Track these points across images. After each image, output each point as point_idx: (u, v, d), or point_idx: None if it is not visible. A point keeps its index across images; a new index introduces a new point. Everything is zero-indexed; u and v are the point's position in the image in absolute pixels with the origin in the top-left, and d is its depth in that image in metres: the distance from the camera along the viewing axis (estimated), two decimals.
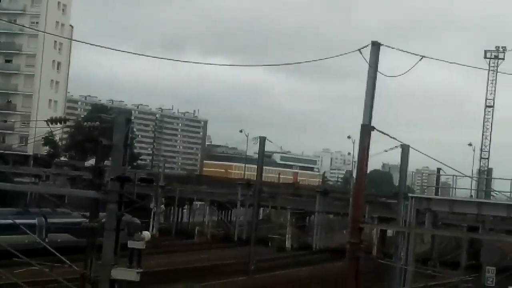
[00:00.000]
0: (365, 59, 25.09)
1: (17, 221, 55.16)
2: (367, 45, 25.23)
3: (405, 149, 35.56)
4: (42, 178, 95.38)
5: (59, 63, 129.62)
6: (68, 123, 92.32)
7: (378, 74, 25.50)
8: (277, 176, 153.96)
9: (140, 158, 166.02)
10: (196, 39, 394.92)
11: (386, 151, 32.75)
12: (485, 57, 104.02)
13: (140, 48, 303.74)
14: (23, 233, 48.63)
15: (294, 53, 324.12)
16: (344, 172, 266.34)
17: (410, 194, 36.32)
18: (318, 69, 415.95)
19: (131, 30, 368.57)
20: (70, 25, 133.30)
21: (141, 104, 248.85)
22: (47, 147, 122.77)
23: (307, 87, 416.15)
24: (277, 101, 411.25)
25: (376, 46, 25.31)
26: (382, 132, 25.73)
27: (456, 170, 39.40)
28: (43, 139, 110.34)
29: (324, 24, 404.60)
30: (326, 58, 26.95)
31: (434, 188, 53.11)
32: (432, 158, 33.80)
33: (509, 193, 37.72)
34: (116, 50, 53.54)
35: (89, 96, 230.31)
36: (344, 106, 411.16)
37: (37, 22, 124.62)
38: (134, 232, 17.08)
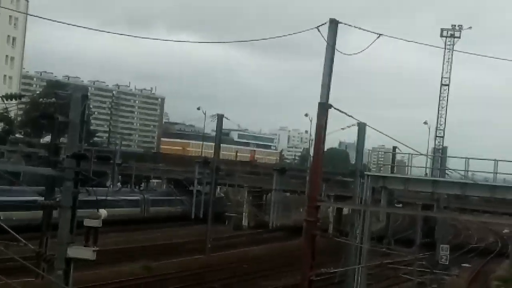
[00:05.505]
0: (323, 36, 24.98)
1: None
2: (325, 23, 25.08)
3: (361, 127, 35.66)
4: None
5: (14, 38, 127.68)
6: (23, 99, 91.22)
7: (337, 53, 25.43)
8: (235, 154, 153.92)
9: (96, 135, 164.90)
10: (162, 15, 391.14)
11: (343, 129, 32.89)
12: (441, 36, 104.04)
13: (103, 24, 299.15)
14: None
15: (258, 30, 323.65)
16: (301, 150, 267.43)
17: (366, 172, 36.51)
18: (281, 47, 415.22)
19: (93, 5, 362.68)
20: None
21: (98, 81, 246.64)
22: (2, 124, 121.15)
23: (269, 65, 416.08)
24: (238, 78, 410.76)
25: (334, 24, 25.17)
26: (339, 110, 25.75)
27: (411, 148, 39.72)
28: None
29: (292, 2, 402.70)
30: (284, 36, 26.74)
31: (390, 166, 53.37)
32: (388, 136, 33.99)
33: (463, 171, 38.13)
34: (74, 25, 52.45)
35: (44, 72, 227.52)
36: (304, 84, 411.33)
37: None
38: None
